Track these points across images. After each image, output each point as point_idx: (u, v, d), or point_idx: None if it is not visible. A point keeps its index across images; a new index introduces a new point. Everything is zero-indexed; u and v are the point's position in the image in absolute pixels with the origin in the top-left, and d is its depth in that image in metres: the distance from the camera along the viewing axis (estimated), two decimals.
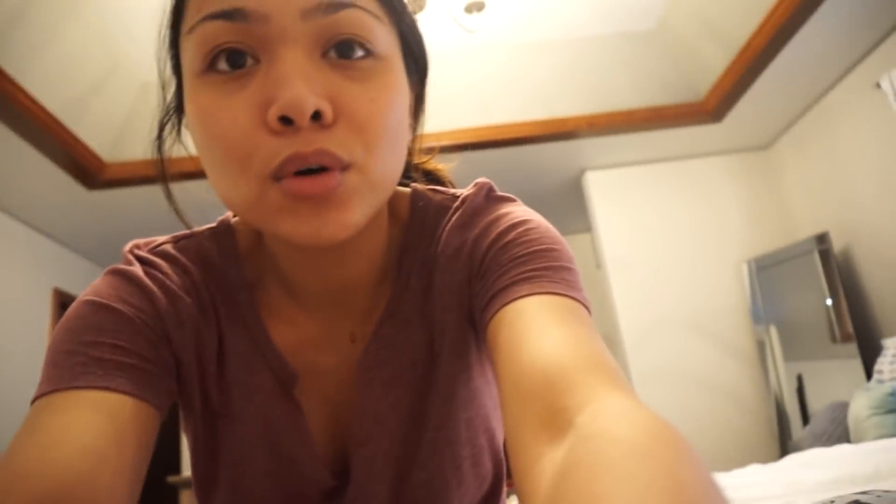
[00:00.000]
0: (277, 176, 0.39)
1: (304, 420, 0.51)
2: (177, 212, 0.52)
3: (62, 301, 3.76)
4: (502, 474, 0.60)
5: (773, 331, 3.36)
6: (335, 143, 0.38)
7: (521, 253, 0.46)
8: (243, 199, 0.40)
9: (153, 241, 0.52)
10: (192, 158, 0.51)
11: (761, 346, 3.43)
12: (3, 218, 3.29)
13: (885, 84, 2.68)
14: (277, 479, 0.51)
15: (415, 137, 0.53)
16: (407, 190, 0.56)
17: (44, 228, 3.60)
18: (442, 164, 0.65)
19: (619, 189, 3.83)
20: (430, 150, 0.63)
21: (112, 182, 3.11)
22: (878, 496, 0.73)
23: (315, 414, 0.52)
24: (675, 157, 3.83)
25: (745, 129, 3.56)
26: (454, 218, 0.53)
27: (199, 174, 0.52)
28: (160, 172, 0.50)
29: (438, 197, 0.56)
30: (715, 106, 3.23)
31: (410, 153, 0.59)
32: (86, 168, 2.94)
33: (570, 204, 4.27)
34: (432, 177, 0.63)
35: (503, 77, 3.10)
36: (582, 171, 3.88)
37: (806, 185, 3.54)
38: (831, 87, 3.15)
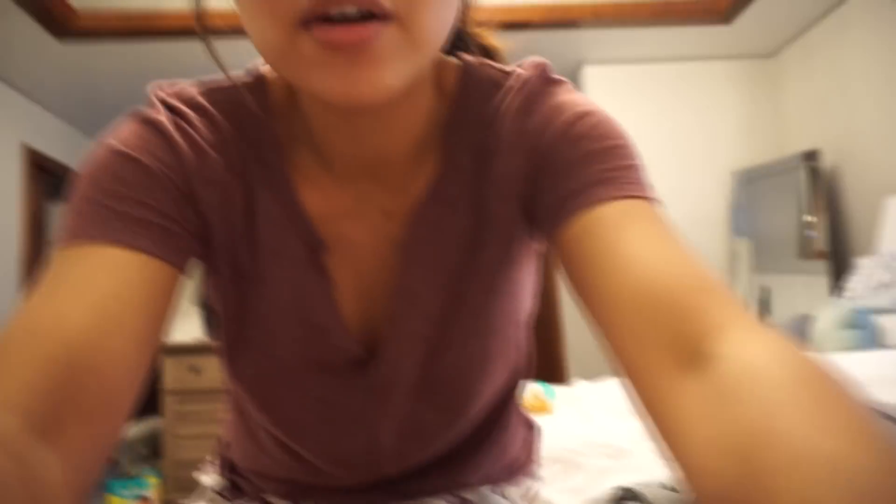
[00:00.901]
0: (305, 21, 0.34)
1: (332, 290, 0.49)
2: (216, 60, 0.47)
3: (34, 159, 3.62)
4: (524, 366, 0.60)
5: (747, 242, 3.43)
6: None
7: (592, 148, 0.44)
8: (273, 47, 0.36)
9: (180, 86, 0.48)
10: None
11: (733, 257, 3.51)
12: None
13: None
14: (305, 345, 0.50)
15: (469, 3, 0.48)
16: (455, 61, 0.51)
17: (13, 81, 3.38)
18: (499, 42, 0.59)
19: (615, 87, 3.70)
20: (488, 24, 0.57)
21: (84, 33, 2.89)
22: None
23: (346, 286, 0.50)
24: (678, 57, 3.69)
25: (754, 34, 3.42)
26: (514, 102, 0.48)
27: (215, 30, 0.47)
28: (196, 8, 0.45)
29: (490, 72, 0.51)
30: (728, 4, 3.07)
31: (465, 22, 0.53)
32: (54, 15, 2.72)
33: None
34: (488, 54, 0.57)
35: None
36: (579, 65, 3.74)
37: (805, 99, 3.47)
38: None
